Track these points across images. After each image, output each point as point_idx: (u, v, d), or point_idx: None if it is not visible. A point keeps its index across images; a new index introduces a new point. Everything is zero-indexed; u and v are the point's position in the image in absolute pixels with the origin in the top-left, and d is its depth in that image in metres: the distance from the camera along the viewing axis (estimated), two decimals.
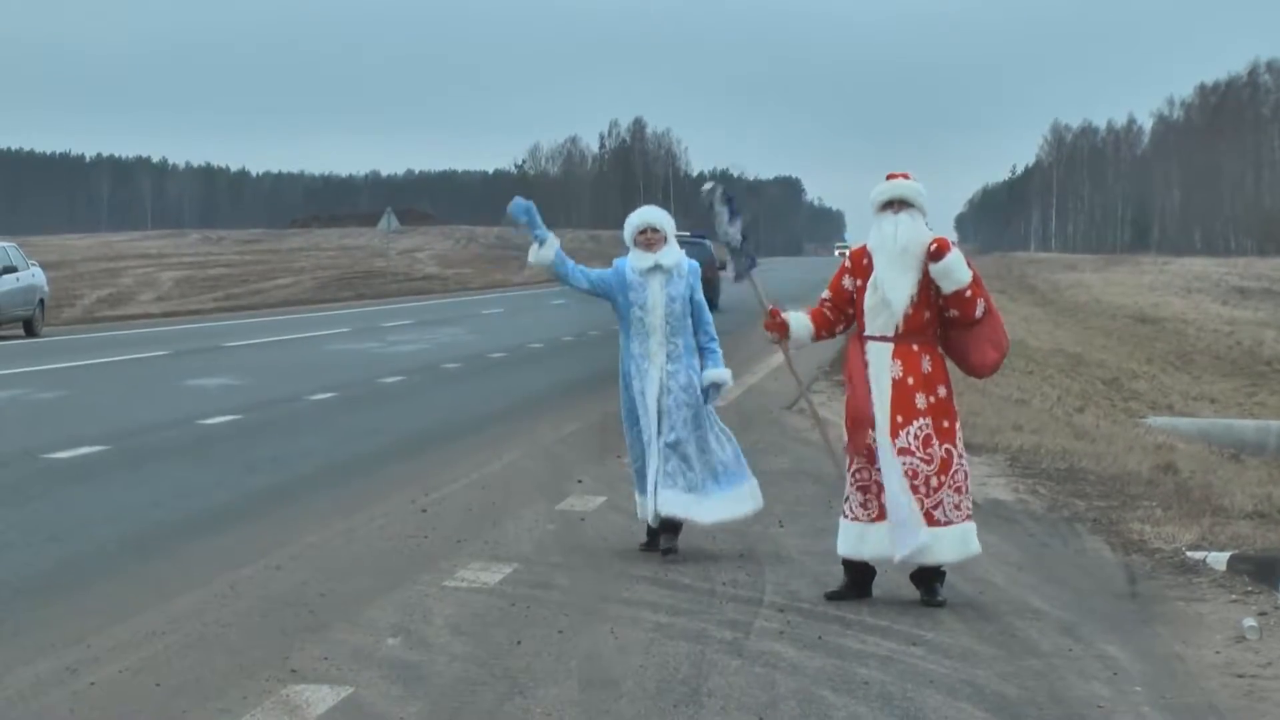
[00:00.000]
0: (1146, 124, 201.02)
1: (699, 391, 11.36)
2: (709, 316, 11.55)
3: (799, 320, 10.46)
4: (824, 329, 10.38)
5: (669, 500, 11.21)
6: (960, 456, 10.04)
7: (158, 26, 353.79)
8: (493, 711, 7.61)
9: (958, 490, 10.00)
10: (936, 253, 10.01)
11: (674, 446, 11.26)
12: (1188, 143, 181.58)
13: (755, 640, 9.03)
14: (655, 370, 11.35)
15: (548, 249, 11.47)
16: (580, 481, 14.74)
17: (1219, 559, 11.32)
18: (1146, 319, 66.93)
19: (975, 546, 10.11)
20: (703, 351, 11.44)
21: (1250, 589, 10.60)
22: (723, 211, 10.98)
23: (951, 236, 10.43)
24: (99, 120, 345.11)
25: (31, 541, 11.70)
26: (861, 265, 10.15)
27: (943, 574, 10.14)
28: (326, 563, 11.01)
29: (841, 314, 10.27)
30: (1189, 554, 11.65)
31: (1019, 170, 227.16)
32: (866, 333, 10.10)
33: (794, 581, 10.62)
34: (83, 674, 8.10)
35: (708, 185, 11.17)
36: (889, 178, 10.28)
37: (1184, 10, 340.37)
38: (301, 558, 11.16)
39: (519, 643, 8.83)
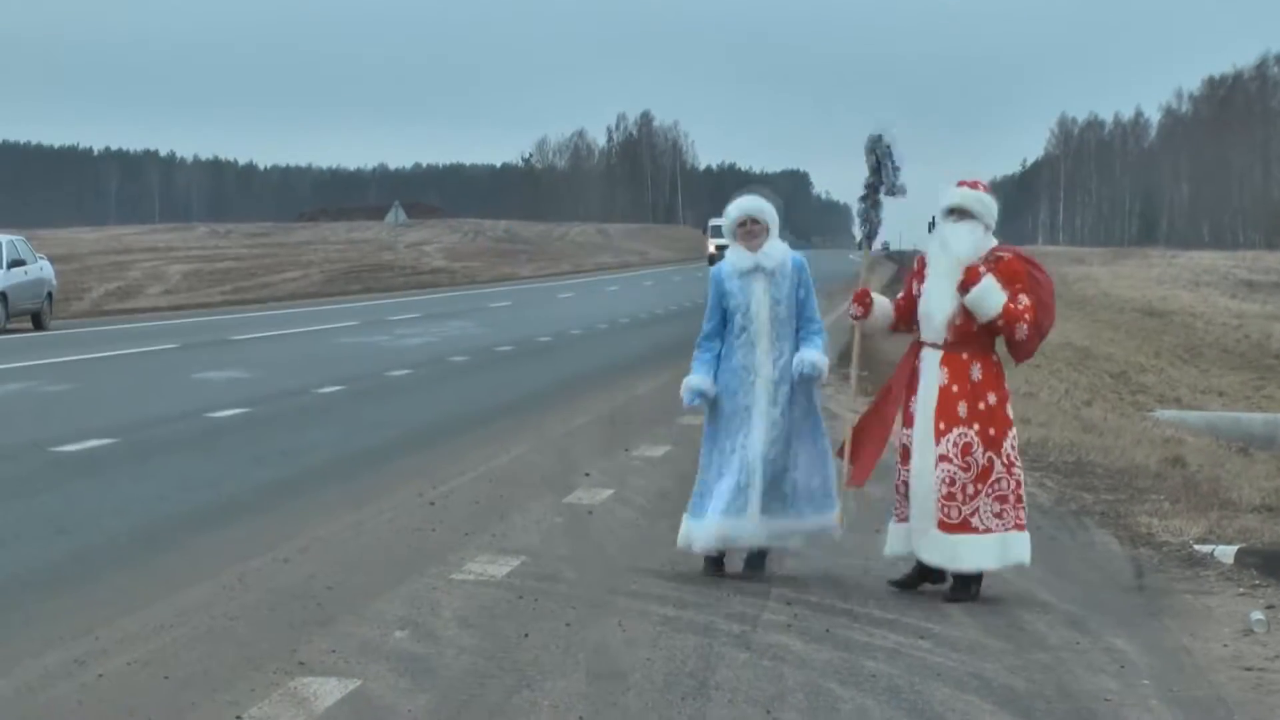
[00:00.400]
0: (1154, 117, 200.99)
1: (810, 399, 10.41)
2: (814, 304, 10.48)
3: (882, 304, 10.35)
4: (902, 321, 10.33)
5: (767, 529, 10.33)
6: (1009, 465, 9.97)
7: (166, 20, 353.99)
8: (500, 704, 7.61)
9: (1000, 499, 9.94)
10: (963, 284, 9.95)
11: (771, 464, 10.30)
12: (1196, 136, 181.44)
13: (763, 633, 9.03)
14: (763, 383, 10.36)
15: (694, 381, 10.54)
16: (588, 475, 14.75)
17: (1227, 552, 11.31)
18: (1154, 312, 66.85)
19: (1017, 556, 10.01)
20: (800, 338, 10.38)
21: (1258, 582, 10.60)
22: (870, 160, 10.49)
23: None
24: (107, 113, 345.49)
25: (40, 534, 11.71)
26: (923, 272, 10.15)
27: (979, 576, 10.10)
28: (334, 555, 11.02)
29: (915, 317, 10.23)
30: (1197, 547, 11.65)
31: (1029, 164, 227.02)
32: (921, 338, 10.11)
33: (801, 574, 10.62)
34: (91, 666, 8.10)
35: (876, 133, 10.46)
36: (959, 184, 10.17)
37: (1192, 3, 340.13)
38: (309, 550, 11.16)
39: (526, 635, 8.83)
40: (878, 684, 8.08)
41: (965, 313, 9.96)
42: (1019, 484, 10.03)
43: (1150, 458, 18.00)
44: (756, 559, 10.61)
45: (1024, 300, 9.95)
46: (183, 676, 7.93)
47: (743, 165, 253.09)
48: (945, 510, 9.90)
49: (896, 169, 10.47)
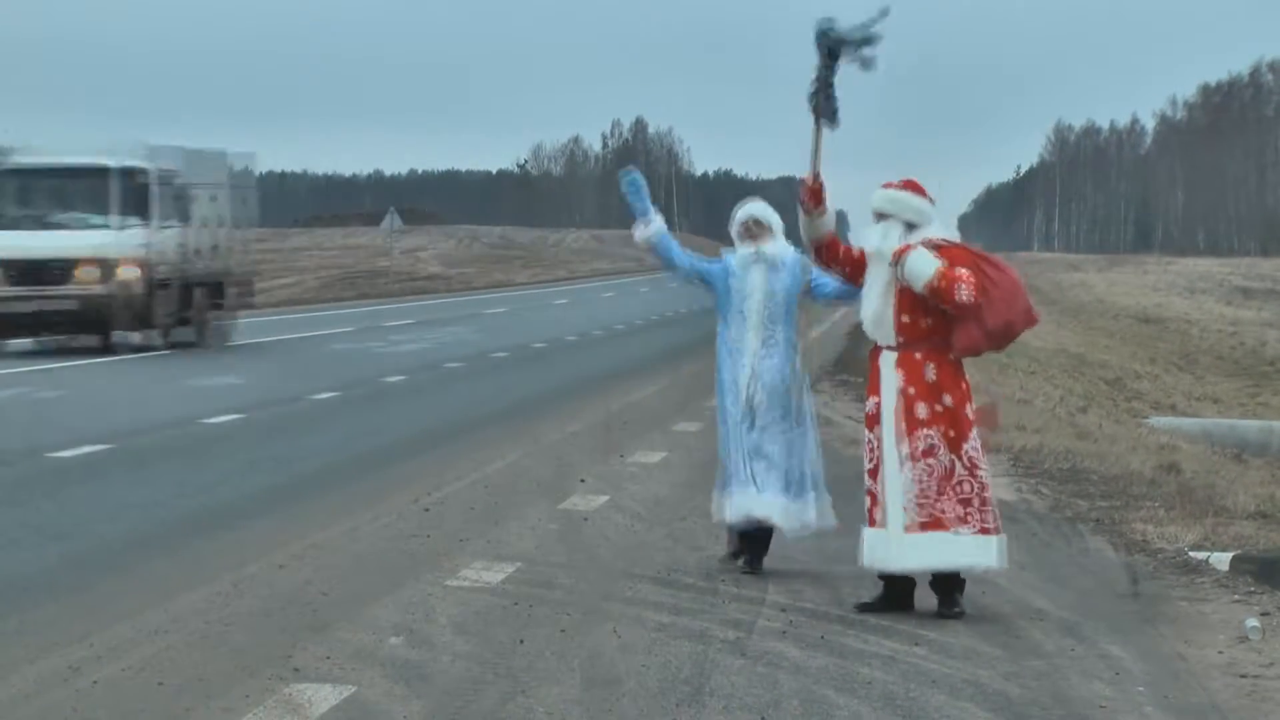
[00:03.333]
0: (1149, 124, 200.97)
1: (792, 386, 10.87)
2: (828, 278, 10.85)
3: (832, 213, 10.21)
4: (844, 263, 10.15)
5: (752, 502, 10.73)
6: (971, 468, 9.88)
7: (161, 27, 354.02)
8: (495, 710, 7.61)
9: (964, 502, 9.86)
10: (895, 262, 9.88)
11: (757, 444, 10.81)
12: (1191, 143, 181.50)
13: (758, 640, 9.03)
14: (748, 357, 10.88)
15: (653, 227, 11.41)
16: (583, 481, 14.74)
17: (1221, 559, 11.32)
18: (1150, 319, 66.91)
19: (985, 561, 9.85)
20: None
21: (1253, 589, 10.60)
22: (822, 47, 10.28)
23: (954, 236, 10.18)
24: (100, 121, 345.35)
25: (35, 540, 11.72)
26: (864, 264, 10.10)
27: (962, 583, 10.00)
28: (329, 561, 11.02)
29: (848, 264, 10.14)
30: (1192, 554, 11.65)
31: (1024, 170, 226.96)
32: (878, 342, 10.04)
33: (796, 581, 10.62)
34: (86, 672, 8.10)
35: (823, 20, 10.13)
36: (883, 187, 10.14)
37: (1187, 10, 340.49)
38: (304, 557, 11.16)
39: (521, 642, 8.83)
40: (873, 691, 8.08)
41: (910, 308, 9.84)
42: (984, 486, 9.88)
43: (1145, 464, 18.00)
44: (755, 550, 10.87)
45: (963, 271, 9.78)
46: (177, 683, 7.93)
47: (738, 171, 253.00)
48: (916, 511, 9.81)
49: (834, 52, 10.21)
